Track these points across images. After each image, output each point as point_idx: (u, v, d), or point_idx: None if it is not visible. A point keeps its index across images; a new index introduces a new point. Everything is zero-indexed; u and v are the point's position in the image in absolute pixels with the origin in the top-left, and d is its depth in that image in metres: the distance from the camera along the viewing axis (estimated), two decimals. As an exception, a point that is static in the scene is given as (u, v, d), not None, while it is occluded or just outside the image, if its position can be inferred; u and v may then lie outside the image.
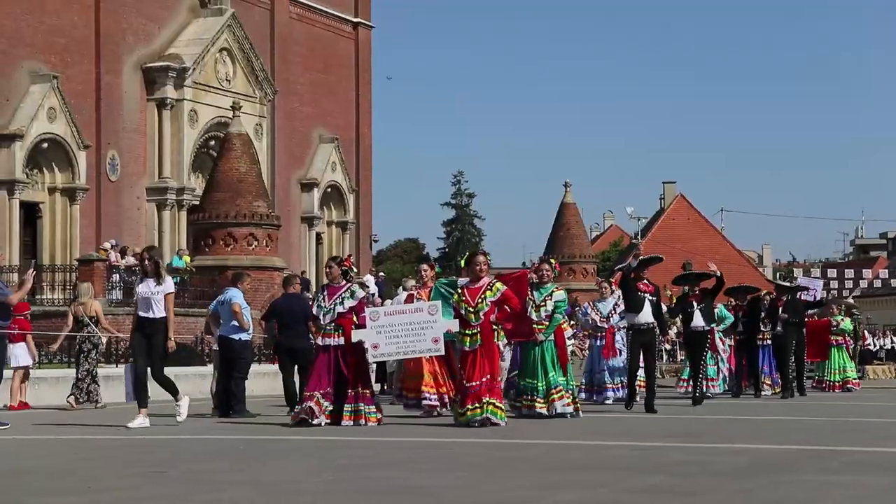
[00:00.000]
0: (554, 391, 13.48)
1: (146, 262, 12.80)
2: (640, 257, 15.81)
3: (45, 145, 37.19)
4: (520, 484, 7.36)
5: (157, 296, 12.57)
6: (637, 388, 16.00)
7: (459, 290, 12.64)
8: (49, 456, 9.38)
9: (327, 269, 13.28)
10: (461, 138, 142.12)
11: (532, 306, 13.75)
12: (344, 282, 13.00)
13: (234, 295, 15.33)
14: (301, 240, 47.63)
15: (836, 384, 23.35)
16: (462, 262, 13.30)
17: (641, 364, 15.57)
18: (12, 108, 36.28)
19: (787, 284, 23.22)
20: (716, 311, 18.92)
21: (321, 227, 49.06)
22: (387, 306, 15.08)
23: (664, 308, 16.70)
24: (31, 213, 37.58)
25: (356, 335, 12.62)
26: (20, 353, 17.27)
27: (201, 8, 43.09)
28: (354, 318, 12.72)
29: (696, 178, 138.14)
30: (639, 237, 63.45)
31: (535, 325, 13.63)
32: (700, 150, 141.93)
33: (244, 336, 15.39)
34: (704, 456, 9.10)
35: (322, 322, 12.79)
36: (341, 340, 12.68)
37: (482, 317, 12.46)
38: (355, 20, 51.55)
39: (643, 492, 7.03)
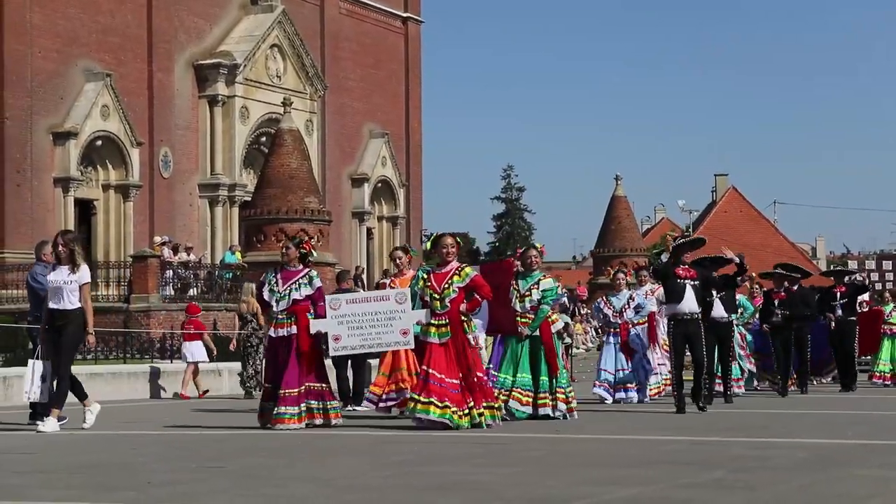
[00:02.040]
0: (542, 395, 12.44)
1: (60, 248, 11.56)
2: (680, 239, 14.36)
3: (99, 143, 37.55)
4: (577, 479, 7.32)
5: (70, 285, 11.47)
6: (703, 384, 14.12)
7: (425, 276, 11.39)
8: (109, 451, 9.45)
9: (284, 251, 12.01)
10: (511, 132, 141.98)
11: (516, 296, 12.64)
12: (301, 266, 11.78)
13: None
14: (352, 235, 47.78)
15: (888, 375, 22.91)
16: (427, 245, 11.88)
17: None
18: (67, 106, 36.65)
19: (844, 270, 22.26)
20: (737, 299, 17.80)
21: (372, 222, 49.18)
22: (349, 294, 13.73)
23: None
24: (85, 210, 37.97)
25: (314, 325, 11.45)
26: (196, 350, 19.74)
27: (252, 5, 43.32)
28: (312, 309, 11.59)
29: (749, 170, 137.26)
30: (691, 230, 63.04)
31: (519, 318, 12.56)
32: (753, 141, 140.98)
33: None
34: (763, 450, 9.01)
35: (275, 309, 11.63)
36: (294, 330, 11.49)
37: (448, 304, 11.19)
38: (405, 15, 51.61)
39: (703, 487, 6.96)
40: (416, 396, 11.05)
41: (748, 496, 6.57)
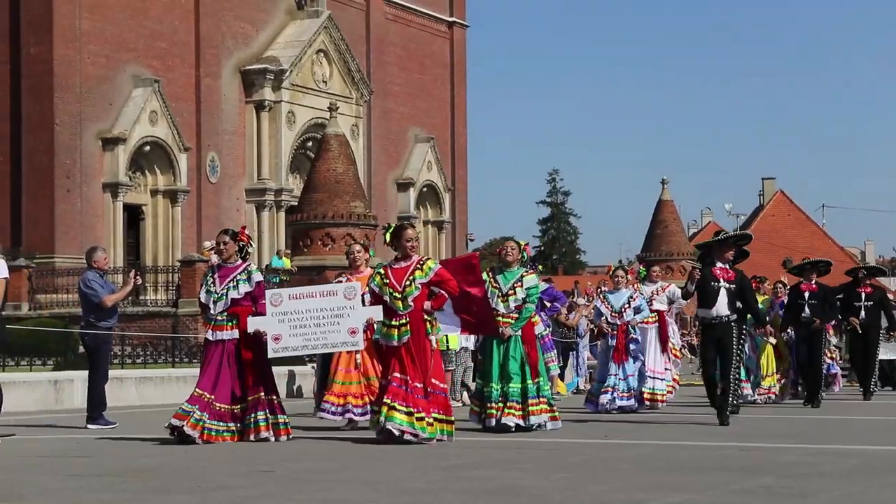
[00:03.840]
0: (532, 402, 11.37)
1: None
2: (723, 234, 12.95)
3: (147, 148, 37.88)
4: (626, 485, 7.32)
5: None
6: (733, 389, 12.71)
7: (382, 272, 10.31)
8: (162, 455, 9.54)
9: (221, 245, 10.62)
10: (556, 136, 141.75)
11: (497, 295, 11.52)
12: (240, 261, 10.62)
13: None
14: (398, 239, 47.88)
15: None
16: (386, 237, 10.66)
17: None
18: (116, 111, 37.00)
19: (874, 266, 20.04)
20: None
21: (417, 226, 49.29)
22: (293, 288, 12.27)
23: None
24: (134, 215, 38.30)
25: (252, 324, 10.29)
26: None
27: (298, 10, 43.57)
28: (254, 308, 10.43)
29: (797, 174, 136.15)
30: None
31: (501, 318, 11.38)
32: (800, 144, 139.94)
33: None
34: (814, 457, 8.97)
35: (212, 311, 10.43)
36: (235, 333, 10.39)
37: (412, 304, 10.12)
38: (450, 19, 51.70)
39: (753, 493, 6.95)
40: (389, 402, 9.94)
41: None
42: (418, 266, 10.25)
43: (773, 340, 17.16)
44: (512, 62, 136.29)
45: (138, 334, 20.34)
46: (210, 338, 10.43)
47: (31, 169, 35.46)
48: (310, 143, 42.03)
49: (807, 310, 16.52)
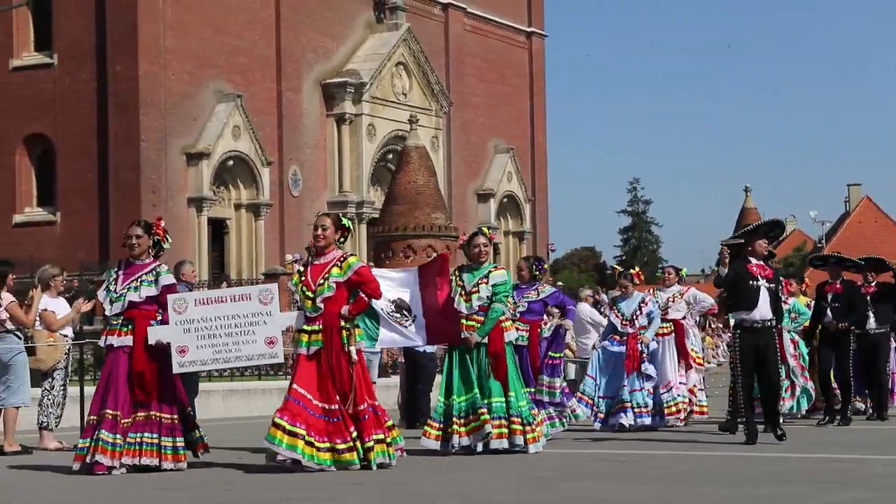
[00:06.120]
0: (515, 419, 10.01)
1: None
2: (748, 226, 11.46)
3: (231, 163, 38.36)
4: (719, 498, 7.27)
5: None
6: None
7: (302, 269, 9.10)
8: (249, 466, 9.62)
9: (133, 239, 9.14)
10: (637, 145, 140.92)
11: (460, 294, 10.08)
12: (151, 259, 9.17)
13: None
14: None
15: None
16: (347, 225, 9.32)
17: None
18: (199, 127, 37.53)
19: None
20: (788, 303, 14.44)
21: (498, 237, 49.30)
22: (199, 292, 10.93)
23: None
24: (218, 228, 38.82)
25: (153, 334, 8.87)
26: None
27: (377, 23, 43.88)
28: (159, 316, 9.02)
29: (884, 179, 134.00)
30: (823, 241, 61.89)
31: (464, 322, 10.01)
32: (887, 149, 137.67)
33: (430, 348, 15.55)
34: (904, 469, 8.84)
35: (107, 313, 9.07)
36: (128, 340, 8.90)
37: (321, 305, 8.85)
38: (528, 30, 51.75)
39: (845, 506, 6.88)
40: (279, 421, 8.66)
41: (892, 516, 6.47)
42: (337, 263, 8.92)
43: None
44: (591, 71, 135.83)
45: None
46: (101, 343, 9.10)
47: (117, 185, 36.08)
48: (390, 156, 42.30)
49: (829, 313, 14.31)
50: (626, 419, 13.00)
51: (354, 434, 8.70)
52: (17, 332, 11.71)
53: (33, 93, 37.02)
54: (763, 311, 11.00)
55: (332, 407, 8.70)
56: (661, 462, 9.65)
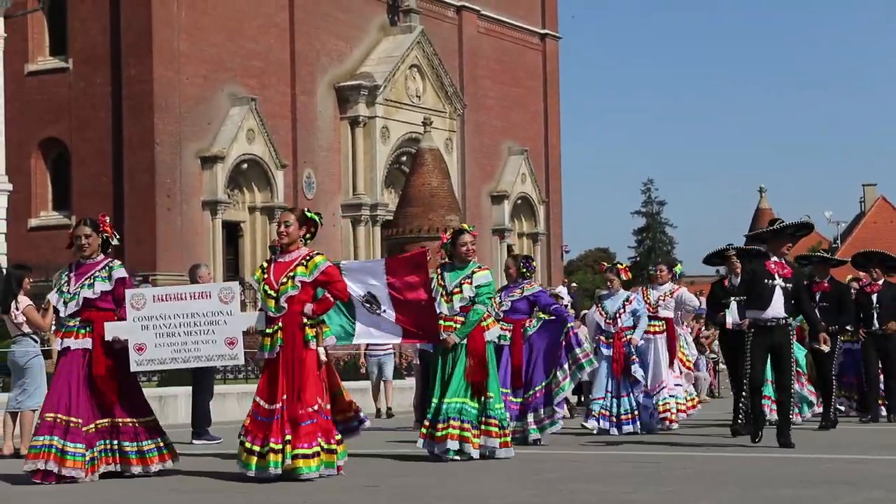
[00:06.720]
0: (492, 422, 9.79)
1: None
2: (779, 223, 11.03)
3: (245, 166, 38.41)
4: (735, 498, 7.25)
5: None
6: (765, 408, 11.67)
7: (265, 265, 8.78)
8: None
9: (82, 240, 8.83)
10: (650, 146, 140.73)
11: (442, 294, 9.86)
12: (102, 256, 8.91)
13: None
14: (493, 252, 47.96)
15: None
16: (317, 218, 8.97)
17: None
18: (214, 130, 37.59)
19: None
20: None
21: (512, 238, 49.30)
22: (157, 288, 10.20)
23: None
24: (232, 232, 38.87)
25: (110, 330, 8.63)
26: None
27: (391, 26, 43.92)
28: (115, 314, 8.77)
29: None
30: (839, 241, 61.72)
31: (443, 322, 9.71)
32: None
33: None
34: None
35: (63, 314, 8.81)
36: (88, 342, 8.67)
37: (285, 305, 8.54)
38: (542, 32, 51.74)
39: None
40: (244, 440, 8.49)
41: (911, 517, 6.44)
42: (303, 262, 8.60)
43: (825, 348, 13.26)
44: (605, 72, 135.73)
45: (239, 350, 20.73)
46: (57, 346, 8.78)
47: (132, 188, 36.16)
48: (404, 158, 42.34)
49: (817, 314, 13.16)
50: (593, 424, 12.69)
51: (288, 437, 8.28)
52: (34, 336, 11.76)
53: (48, 97, 37.14)
54: (776, 309, 10.74)
55: (275, 406, 8.38)
56: (683, 463, 9.59)
